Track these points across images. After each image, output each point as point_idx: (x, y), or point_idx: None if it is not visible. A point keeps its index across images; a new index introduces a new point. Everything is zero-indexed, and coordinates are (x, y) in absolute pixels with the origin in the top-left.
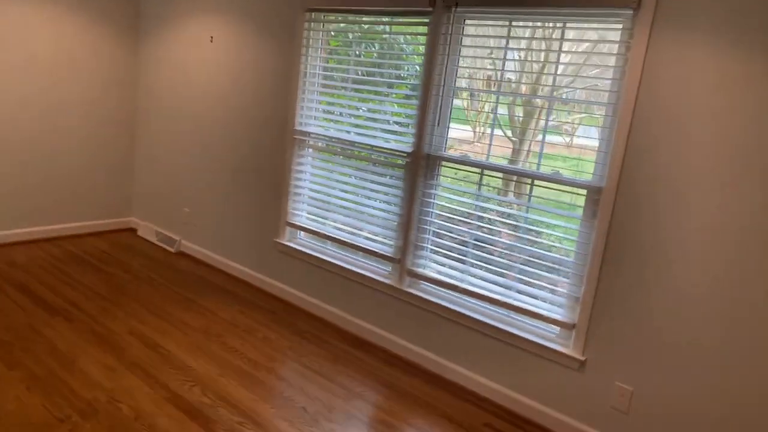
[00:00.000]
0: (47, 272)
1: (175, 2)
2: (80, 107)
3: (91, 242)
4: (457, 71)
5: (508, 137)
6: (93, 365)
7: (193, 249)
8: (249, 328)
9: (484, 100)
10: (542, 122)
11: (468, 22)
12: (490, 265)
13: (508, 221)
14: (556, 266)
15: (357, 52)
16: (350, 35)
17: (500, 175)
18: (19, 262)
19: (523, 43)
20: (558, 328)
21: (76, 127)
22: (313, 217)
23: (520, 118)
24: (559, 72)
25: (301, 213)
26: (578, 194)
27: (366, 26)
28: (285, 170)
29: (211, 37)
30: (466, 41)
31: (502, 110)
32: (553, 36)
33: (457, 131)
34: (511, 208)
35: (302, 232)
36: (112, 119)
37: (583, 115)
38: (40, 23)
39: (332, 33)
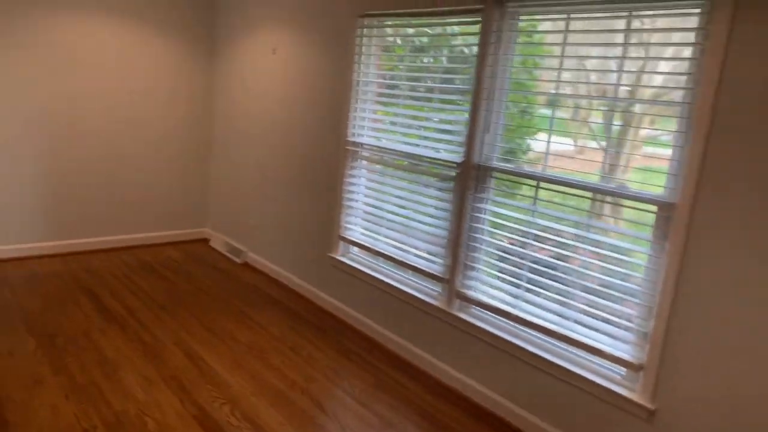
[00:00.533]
0: (117, 280)
1: (245, 14)
2: (161, 120)
3: (166, 252)
4: (510, 73)
5: (602, 148)
6: (132, 376)
7: (257, 261)
8: (295, 345)
9: (578, 107)
10: (623, 129)
11: (523, 17)
12: (546, 290)
13: (565, 241)
14: (622, 295)
15: (411, 58)
16: (403, 40)
17: (589, 194)
18: (95, 268)
19: (590, 39)
20: (623, 369)
21: (157, 139)
22: (365, 231)
23: (608, 127)
24: (627, 69)
25: (354, 227)
26: (648, 211)
27: (418, 30)
28: (338, 182)
29: (274, 49)
30: (524, 39)
31: (595, 119)
32: (626, 27)
33: (547, 144)
34: (575, 228)
35: (355, 248)
36: (190, 131)
37: (667, 117)
38: (122, 39)
39: (387, 39)
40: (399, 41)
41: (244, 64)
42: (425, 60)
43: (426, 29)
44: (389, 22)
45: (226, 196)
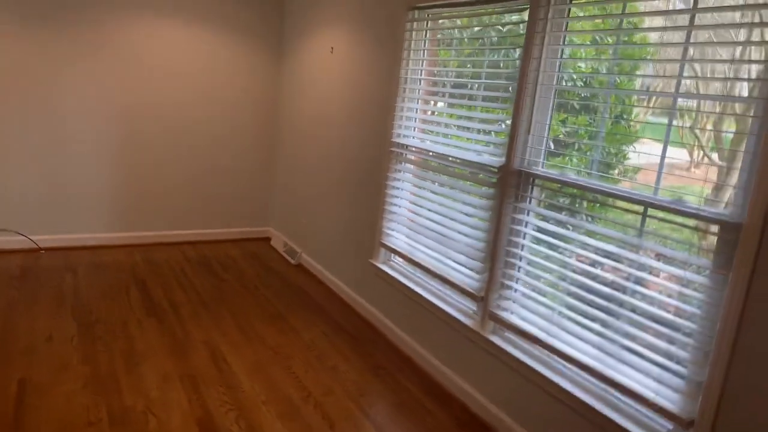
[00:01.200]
0: (172, 274)
1: (308, 14)
2: (229, 120)
3: (227, 249)
4: (559, 67)
5: (710, 159)
6: (152, 371)
7: (309, 263)
8: (322, 354)
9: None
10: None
11: (576, 2)
12: (586, 319)
13: (610, 263)
14: (672, 333)
15: (457, 53)
16: (451, 34)
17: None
18: (156, 261)
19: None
20: (670, 423)
21: (225, 138)
22: (406, 239)
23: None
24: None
25: (395, 234)
26: (708, 232)
27: (466, 21)
28: (381, 185)
29: (332, 48)
30: (576, 27)
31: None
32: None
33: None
34: (621, 247)
35: (396, 256)
36: (257, 130)
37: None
38: (193, 41)
39: (435, 32)
40: (446, 34)
41: (307, 65)
42: (471, 54)
43: (474, 20)
44: (437, 14)
45: (286, 195)
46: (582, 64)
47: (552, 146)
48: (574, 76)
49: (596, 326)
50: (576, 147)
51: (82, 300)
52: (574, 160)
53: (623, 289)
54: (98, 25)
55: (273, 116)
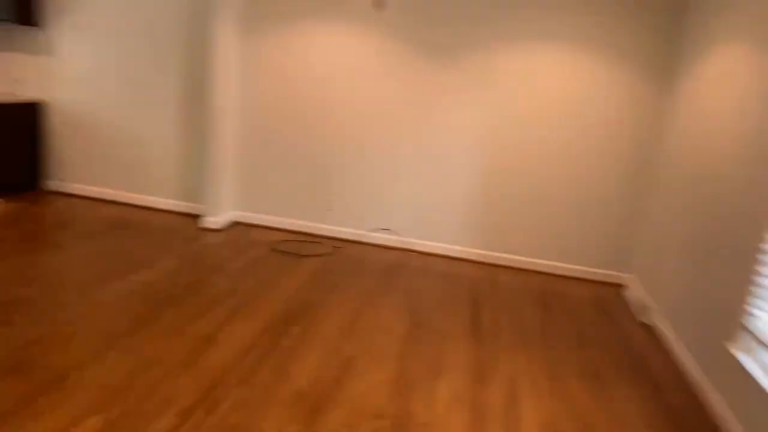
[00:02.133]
0: (507, 298)
1: (703, 41)
2: (599, 153)
3: (571, 287)
4: None
5: None
6: (448, 388)
7: (660, 324)
8: None
9: None
10: None
11: None
12: None
13: None
14: None
15: None
16: None
17: None
18: (498, 282)
19: None
20: None
21: (592, 172)
22: None
23: None
24: None
25: (765, 317)
26: None
27: None
28: (750, 249)
29: (724, 73)
30: None
31: None
32: None
33: None
34: None
35: (761, 346)
36: (629, 166)
37: None
38: (567, 68)
39: None
40: None
41: (699, 96)
42: None
43: None
44: None
45: (653, 242)
46: None
47: None
48: None
49: None
50: None
51: (422, 303)
52: None
53: None
54: (475, 56)
55: (650, 153)
